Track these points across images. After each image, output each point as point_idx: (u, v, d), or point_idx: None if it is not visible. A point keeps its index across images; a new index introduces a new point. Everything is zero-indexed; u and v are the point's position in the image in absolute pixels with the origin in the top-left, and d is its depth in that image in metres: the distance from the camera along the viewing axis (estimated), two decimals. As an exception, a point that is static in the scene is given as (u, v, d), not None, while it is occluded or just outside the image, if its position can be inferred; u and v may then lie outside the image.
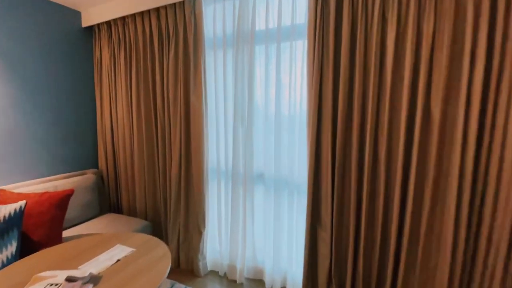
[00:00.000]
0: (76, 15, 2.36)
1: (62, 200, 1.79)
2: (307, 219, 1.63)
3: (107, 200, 2.53)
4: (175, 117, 2.05)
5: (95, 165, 2.55)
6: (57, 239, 1.74)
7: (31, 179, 2.10)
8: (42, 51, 2.14)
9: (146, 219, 2.32)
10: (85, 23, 2.38)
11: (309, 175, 1.60)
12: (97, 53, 2.44)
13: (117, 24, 2.27)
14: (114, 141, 2.44)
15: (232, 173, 1.91)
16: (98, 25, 2.40)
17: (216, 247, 2.09)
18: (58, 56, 2.25)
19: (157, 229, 2.28)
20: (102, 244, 1.38)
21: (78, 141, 2.41)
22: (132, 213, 2.41)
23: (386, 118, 1.40)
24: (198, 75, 1.94)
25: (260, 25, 1.82)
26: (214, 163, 2.03)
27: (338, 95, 1.51)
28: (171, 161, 2.11)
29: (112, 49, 2.35)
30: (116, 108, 2.38)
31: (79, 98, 2.41)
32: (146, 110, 2.20)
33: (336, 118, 1.54)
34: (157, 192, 2.26)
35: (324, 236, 1.60)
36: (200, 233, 2.03)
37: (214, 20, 1.92)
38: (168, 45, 2.04)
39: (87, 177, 2.27)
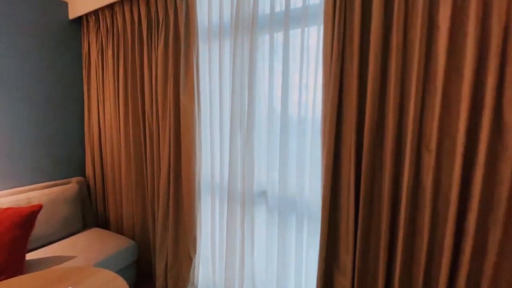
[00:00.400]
0: (62, 5, 2.09)
1: (26, 218, 1.49)
2: (320, 255, 1.23)
3: (95, 212, 2.25)
4: (164, 120, 1.72)
5: (82, 172, 2.27)
6: (18, 264, 1.45)
7: (2, 190, 1.84)
8: (24, 46, 1.88)
9: (133, 237, 2.01)
10: (72, 14, 2.10)
11: (324, 197, 1.21)
12: (86, 48, 2.16)
13: (105, 14, 1.97)
14: (102, 146, 2.14)
15: (229, 189, 1.55)
16: (87, 16, 2.12)
17: (209, 276, 1.73)
18: (43, 51, 1.98)
19: (145, 251, 1.96)
20: (51, 285, 1.05)
21: (63, 146, 2.14)
22: (119, 229, 2.11)
23: (435, 129, 0.99)
24: (189, 71, 1.60)
25: (264, 9, 1.45)
26: (208, 175, 1.68)
27: (366, 95, 1.11)
28: (160, 172, 1.78)
29: (100, 43, 2.06)
30: (104, 109, 2.09)
31: (66, 98, 2.13)
32: (133, 112, 1.88)
33: (362, 126, 1.13)
34: (146, 207, 1.94)
35: (343, 282, 1.19)
36: (190, 259, 1.68)
37: (209, 4, 1.57)
38: (158, 37, 1.71)
39: (69, 187, 1.99)
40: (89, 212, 2.18)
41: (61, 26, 2.09)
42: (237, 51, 1.47)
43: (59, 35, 2.08)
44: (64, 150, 2.14)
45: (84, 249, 1.72)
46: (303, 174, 1.37)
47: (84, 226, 2.13)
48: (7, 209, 1.51)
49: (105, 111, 2.07)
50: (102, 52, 2.05)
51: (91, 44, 2.11)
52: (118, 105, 1.97)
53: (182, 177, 1.66)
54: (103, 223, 2.21)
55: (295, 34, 1.38)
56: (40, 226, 1.75)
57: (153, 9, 1.70)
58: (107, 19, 1.96)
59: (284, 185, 1.43)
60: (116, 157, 2.03)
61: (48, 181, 2.04)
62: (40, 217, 1.76)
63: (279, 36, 1.43)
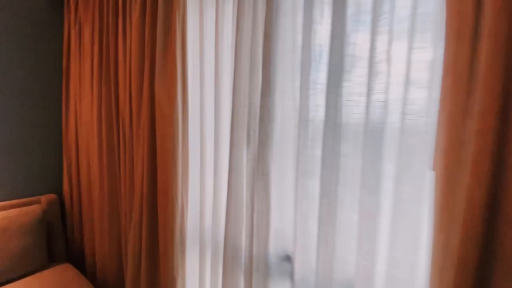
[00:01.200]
0: (38, -21, 1.60)
1: None
2: None
3: (71, 241, 1.70)
4: (139, 125, 1.10)
5: (59, 188, 1.75)
6: None
7: None
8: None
9: (106, 285, 1.41)
10: (50, -12, 1.61)
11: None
12: (66, 33, 1.65)
13: (83, -15, 1.44)
14: (79, 156, 1.60)
15: (226, 246, 0.86)
16: (66, -9, 1.61)
17: None
18: (16, 39, 1.51)
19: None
20: None
21: (36, 154, 1.63)
22: (93, 268, 1.53)
23: None
24: (170, 50, 0.95)
25: None
26: (196, 220, 1.01)
27: None
28: (133, 207, 1.15)
29: (79, 24, 1.53)
30: (81, 108, 1.55)
31: (42, 94, 1.64)
32: (107, 112, 1.30)
33: None
34: (121, 251, 1.33)
35: None
36: None
37: None
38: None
39: (30, 210, 1.45)
40: (61, 242, 1.64)
41: (39, 7, 1.60)
42: (245, 15, 0.79)
43: (36, 18, 1.59)
44: (37, 159, 1.63)
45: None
46: (373, 239, 0.64)
47: (52, 260, 1.58)
48: None
49: (81, 110, 1.53)
50: (80, 36, 1.52)
51: (71, 26, 1.59)
52: (92, 102, 1.41)
53: (158, 218, 1.01)
54: (79, 256, 1.66)
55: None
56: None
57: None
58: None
59: (329, 251, 0.71)
60: (92, 174, 1.47)
61: (10, 199, 1.54)
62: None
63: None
